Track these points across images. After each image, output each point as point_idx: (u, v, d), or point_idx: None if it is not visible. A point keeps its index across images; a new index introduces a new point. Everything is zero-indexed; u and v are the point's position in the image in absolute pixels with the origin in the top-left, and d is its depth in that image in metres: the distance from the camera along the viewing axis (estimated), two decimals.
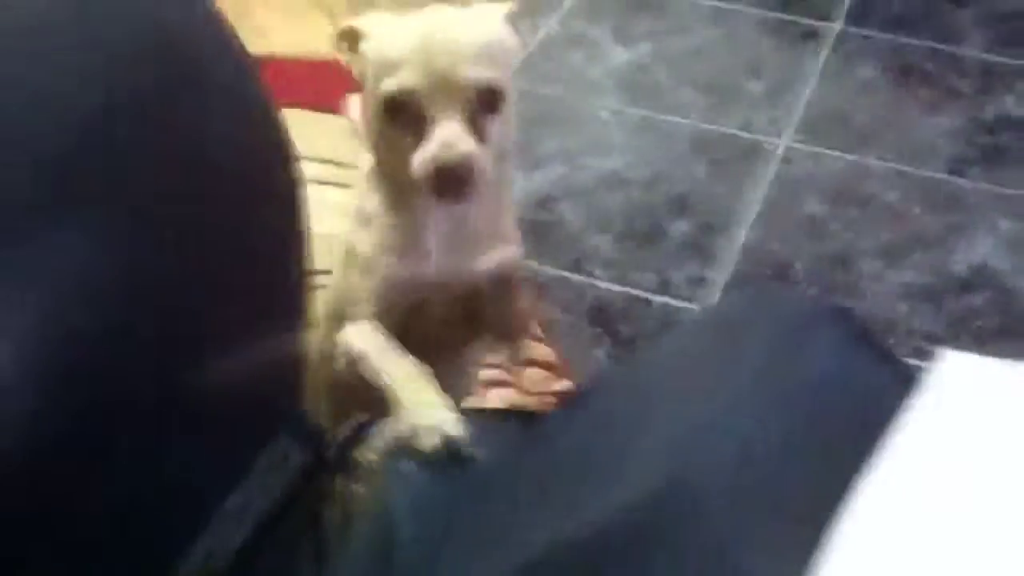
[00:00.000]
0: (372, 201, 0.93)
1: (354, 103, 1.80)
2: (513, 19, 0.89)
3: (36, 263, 0.50)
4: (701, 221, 1.65)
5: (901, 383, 0.69)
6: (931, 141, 1.86)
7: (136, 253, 0.55)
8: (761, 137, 1.84)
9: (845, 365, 0.69)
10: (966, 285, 1.56)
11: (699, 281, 1.54)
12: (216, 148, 0.62)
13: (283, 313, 0.72)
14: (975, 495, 0.53)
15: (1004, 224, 1.67)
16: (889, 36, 2.14)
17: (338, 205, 1.62)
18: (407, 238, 0.91)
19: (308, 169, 1.70)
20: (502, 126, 0.85)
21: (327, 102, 1.82)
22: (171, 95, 0.59)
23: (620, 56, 2.02)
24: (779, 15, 2.19)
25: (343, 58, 0.89)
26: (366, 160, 0.94)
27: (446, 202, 0.85)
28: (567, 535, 0.55)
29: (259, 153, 0.68)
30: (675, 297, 1.51)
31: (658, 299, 1.52)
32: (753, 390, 0.64)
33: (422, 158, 0.82)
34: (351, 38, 0.87)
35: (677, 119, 1.87)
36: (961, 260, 1.60)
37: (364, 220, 0.94)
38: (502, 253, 0.95)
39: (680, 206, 1.68)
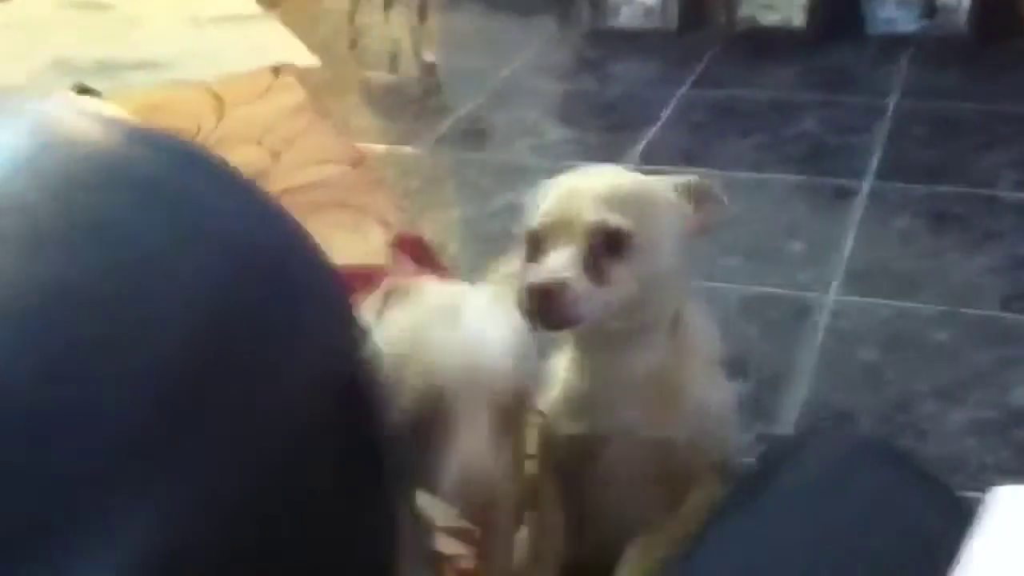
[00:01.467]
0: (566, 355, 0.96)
1: None
2: (691, 190, 0.93)
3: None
4: (760, 380, 1.69)
5: (950, 509, 0.72)
6: (974, 281, 1.90)
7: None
8: (808, 294, 1.89)
9: (893, 496, 0.72)
10: None
11: (767, 440, 1.57)
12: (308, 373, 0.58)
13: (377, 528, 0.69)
14: None
15: None
16: (920, 186, 2.21)
17: None
18: (572, 392, 0.94)
19: None
20: (632, 270, 0.87)
21: None
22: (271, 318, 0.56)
23: None
24: (811, 177, 2.27)
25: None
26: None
27: (544, 328, 0.86)
28: None
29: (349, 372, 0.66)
30: (747, 457, 1.54)
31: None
32: (808, 527, 0.68)
33: (522, 280, 0.85)
34: None
35: (724, 285, 1.93)
36: (1021, 393, 1.62)
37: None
38: (686, 414, 0.93)
39: (738, 368, 1.72)
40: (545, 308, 0.84)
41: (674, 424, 0.93)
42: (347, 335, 0.62)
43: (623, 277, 0.87)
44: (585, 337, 0.93)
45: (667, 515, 0.93)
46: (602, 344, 0.92)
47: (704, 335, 0.97)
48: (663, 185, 0.92)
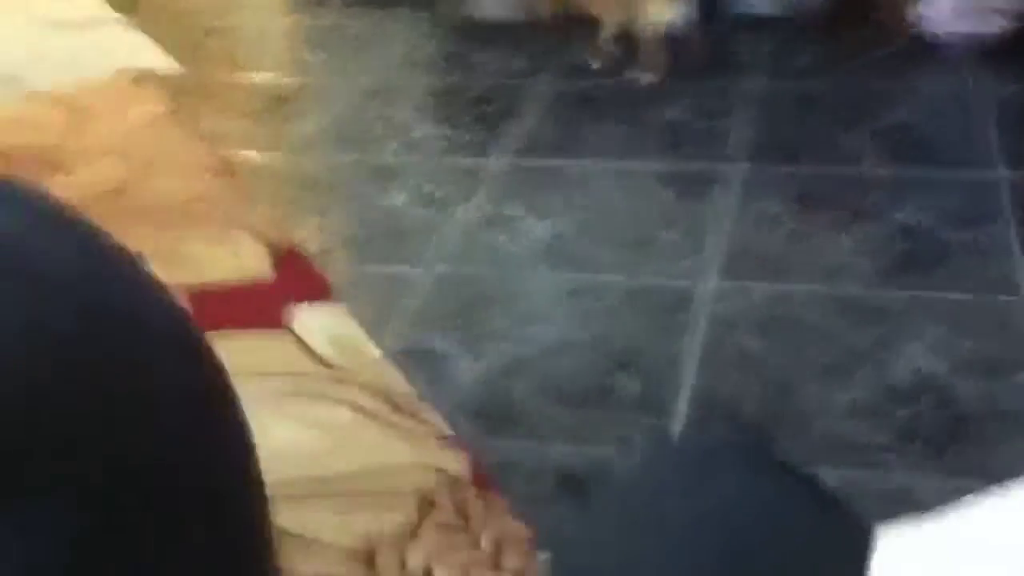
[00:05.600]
0: None
1: (297, 312, 1.85)
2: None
3: None
4: (648, 373, 1.70)
5: (812, 500, 0.72)
6: (845, 260, 1.94)
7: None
8: (687, 282, 1.91)
9: (751, 495, 0.72)
10: (907, 394, 1.62)
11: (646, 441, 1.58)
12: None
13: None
14: None
15: (930, 328, 1.74)
16: (789, 168, 2.26)
17: (301, 415, 1.65)
18: None
19: (266, 384, 1.73)
20: None
21: (269, 320, 1.87)
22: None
23: (539, 229, 2.10)
24: (680, 164, 2.30)
25: None
26: None
27: None
28: None
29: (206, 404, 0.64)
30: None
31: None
32: (672, 538, 0.68)
33: None
34: None
35: (608, 277, 1.94)
36: (898, 371, 1.66)
37: None
38: None
39: (625, 362, 1.73)
40: None
41: None
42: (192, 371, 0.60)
43: None
44: None
45: None
46: None
47: None
48: None
